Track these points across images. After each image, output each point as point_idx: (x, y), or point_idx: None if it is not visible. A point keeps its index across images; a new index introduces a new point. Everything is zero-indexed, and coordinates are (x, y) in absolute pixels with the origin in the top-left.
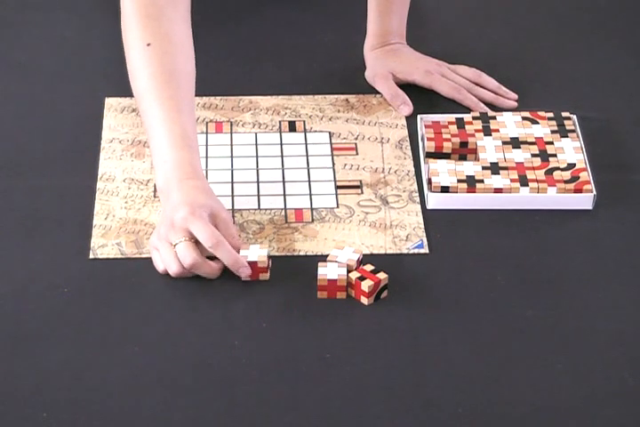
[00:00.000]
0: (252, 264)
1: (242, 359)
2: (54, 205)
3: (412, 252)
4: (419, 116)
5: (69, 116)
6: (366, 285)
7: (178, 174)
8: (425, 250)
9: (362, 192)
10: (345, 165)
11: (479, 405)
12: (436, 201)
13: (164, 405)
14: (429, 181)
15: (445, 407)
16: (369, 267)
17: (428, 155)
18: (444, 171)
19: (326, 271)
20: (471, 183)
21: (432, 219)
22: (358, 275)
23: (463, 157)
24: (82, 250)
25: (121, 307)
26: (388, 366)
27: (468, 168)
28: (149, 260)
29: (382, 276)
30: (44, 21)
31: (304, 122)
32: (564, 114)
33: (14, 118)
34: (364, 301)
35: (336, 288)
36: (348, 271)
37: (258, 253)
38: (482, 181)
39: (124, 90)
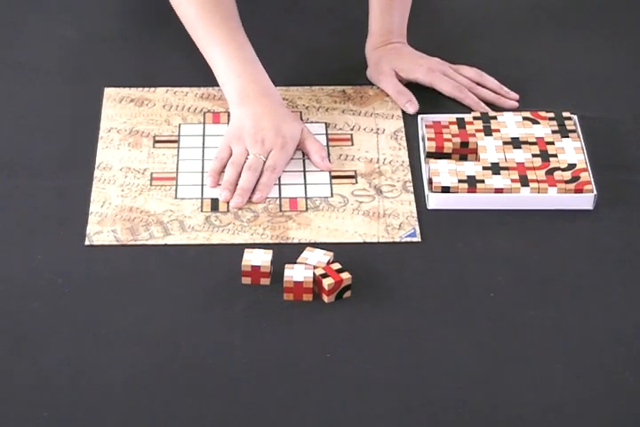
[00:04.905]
0: (255, 268)
1: (242, 359)
2: (54, 205)
3: (404, 240)
4: (419, 116)
5: (69, 116)
6: (327, 283)
7: (256, 88)
8: (417, 238)
9: (356, 182)
10: (340, 155)
11: (479, 405)
12: (436, 201)
13: (164, 405)
14: (430, 181)
15: (446, 407)
16: (336, 266)
17: (429, 155)
18: (444, 171)
19: (292, 273)
20: (472, 183)
21: (432, 219)
22: (322, 272)
23: (464, 157)
24: (82, 250)
25: (121, 307)
26: (388, 366)
27: (469, 168)
28: (150, 260)
29: (346, 276)
30: (43, 21)
31: (300, 113)
32: (565, 114)
33: (14, 118)
34: (325, 299)
35: (302, 290)
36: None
37: (262, 257)
38: (482, 182)
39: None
